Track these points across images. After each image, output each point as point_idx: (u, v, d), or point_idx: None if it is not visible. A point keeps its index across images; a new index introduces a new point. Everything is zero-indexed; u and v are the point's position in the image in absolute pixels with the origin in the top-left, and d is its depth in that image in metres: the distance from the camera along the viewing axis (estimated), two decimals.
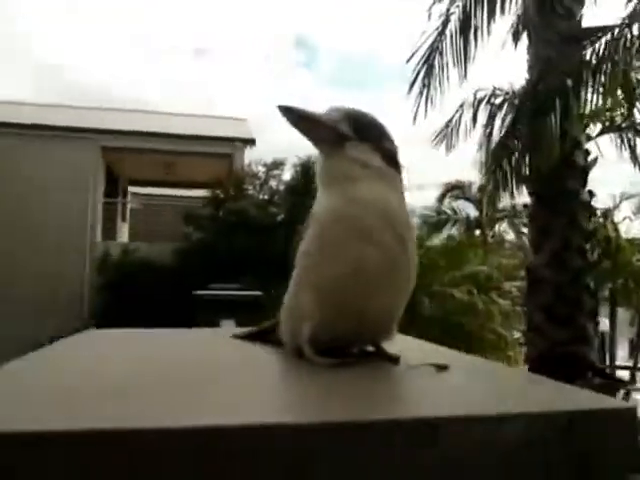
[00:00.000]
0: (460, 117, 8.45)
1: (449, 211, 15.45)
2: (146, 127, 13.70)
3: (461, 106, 8.28)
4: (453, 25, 5.72)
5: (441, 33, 5.76)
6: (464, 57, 5.66)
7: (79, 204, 12.92)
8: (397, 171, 0.93)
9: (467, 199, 15.58)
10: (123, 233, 16.02)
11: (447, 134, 8.53)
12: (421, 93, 5.87)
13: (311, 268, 0.89)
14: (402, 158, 0.98)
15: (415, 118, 5.92)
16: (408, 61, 5.74)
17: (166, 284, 11.54)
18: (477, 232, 15.19)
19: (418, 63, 5.78)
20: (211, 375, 0.78)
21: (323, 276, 0.86)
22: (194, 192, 15.00)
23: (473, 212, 15.61)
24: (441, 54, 5.76)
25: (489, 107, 8.38)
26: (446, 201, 15.59)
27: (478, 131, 8.33)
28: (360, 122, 0.90)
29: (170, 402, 0.60)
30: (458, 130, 8.48)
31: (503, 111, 8.15)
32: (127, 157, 14.54)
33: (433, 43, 5.78)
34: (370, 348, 0.97)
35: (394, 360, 0.90)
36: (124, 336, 1.27)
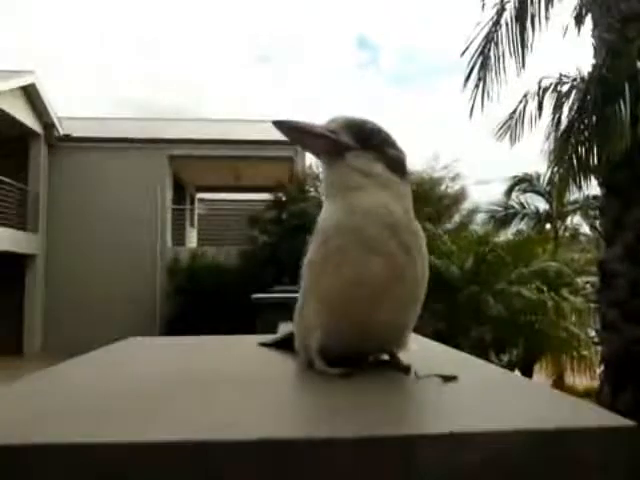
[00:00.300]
0: (524, 107, 8.15)
1: (517, 205, 14.90)
2: (210, 135, 14.11)
3: (525, 96, 7.97)
4: (509, 14, 5.51)
5: (496, 23, 5.57)
6: (521, 46, 5.44)
7: (149, 212, 13.50)
8: (402, 178, 0.91)
9: (536, 192, 14.97)
10: (192, 238, 16.57)
11: (511, 126, 8.25)
12: (477, 86, 5.70)
13: (316, 279, 0.89)
14: (408, 165, 0.96)
15: (472, 111, 5.75)
16: (462, 54, 5.59)
17: (233, 286, 11.85)
18: (548, 226, 14.57)
19: (473, 55, 5.62)
20: (215, 387, 0.79)
21: (327, 287, 0.86)
22: (258, 196, 15.31)
23: (543, 205, 15.00)
24: (497, 44, 5.56)
25: (556, 95, 8.02)
26: (513, 195, 15.05)
27: (544, 121, 8.00)
28: (361, 131, 0.89)
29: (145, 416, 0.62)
30: (523, 121, 8.17)
31: (571, 99, 7.78)
32: (193, 164, 15.05)
33: (488, 34, 5.59)
34: (385, 357, 0.96)
35: (405, 370, 0.88)
36: (157, 345, 1.31)
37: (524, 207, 14.89)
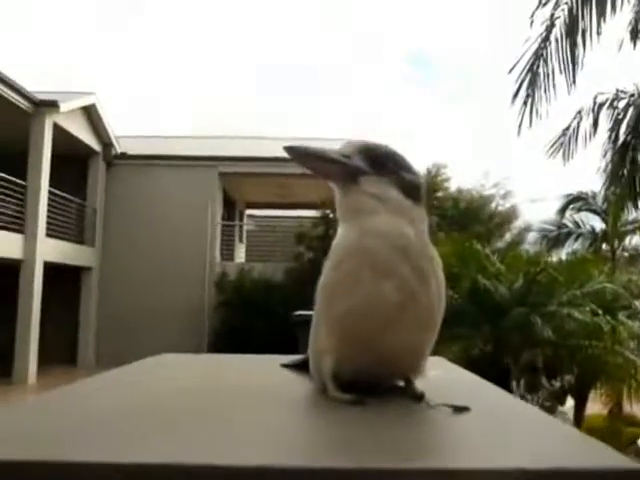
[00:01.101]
0: (578, 124, 7.93)
1: (571, 224, 14.41)
2: (259, 152, 14.37)
3: (579, 112, 7.76)
4: (558, 30, 5.39)
5: (545, 39, 5.45)
6: (572, 62, 5.30)
7: (200, 227, 13.82)
8: (417, 203, 0.90)
9: (592, 211, 14.45)
10: (240, 254, 16.84)
11: (564, 143, 8.04)
12: (525, 103, 5.58)
13: (328, 302, 0.89)
14: (424, 191, 0.95)
15: (520, 129, 5.63)
16: (510, 71, 5.49)
17: (278, 302, 11.94)
18: (604, 246, 14.00)
19: (521, 72, 5.51)
20: (221, 409, 0.80)
21: (339, 310, 0.86)
22: (306, 212, 15.44)
23: (599, 224, 14.45)
24: (546, 61, 5.44)
25: (612, 111, 7.78)
26: (567, 214, 14.57)
27: (599, 138, 7.76)
28: (375, 155, 0.89)
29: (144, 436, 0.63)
30: (577, 138, 7.96)
31: (628, 115, 7.52)
32: (243, 181, 15.34)
33: (537, 50, 5.48)
34: (401, 383, 0.94)
35: (417, 398, 0.87)
36: (185, 361, 1.34)
37: (579, 226, 14.38)
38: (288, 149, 0.85)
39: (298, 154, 0.86)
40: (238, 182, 15.30)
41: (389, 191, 0.87)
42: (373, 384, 0.91)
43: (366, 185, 0.87)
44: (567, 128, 7.91)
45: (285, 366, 1.22)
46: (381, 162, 0.88)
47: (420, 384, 0.92)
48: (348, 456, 0.58)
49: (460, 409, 0.79)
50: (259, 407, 0.80)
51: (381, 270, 0.82)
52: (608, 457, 0.56)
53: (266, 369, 1.20)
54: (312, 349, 0.95)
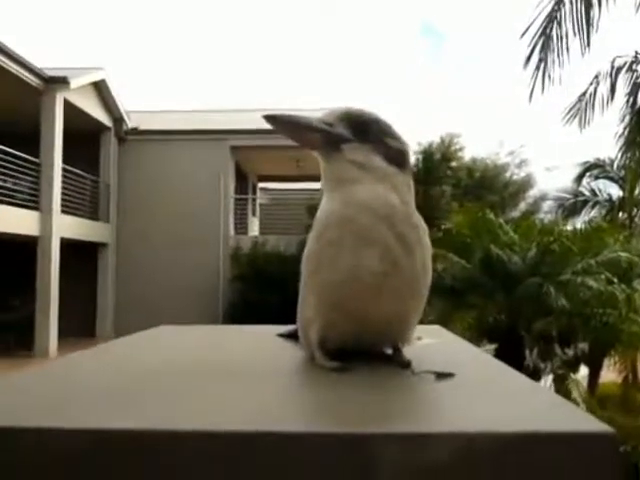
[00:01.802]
0: (595, 89, 7.73)
1: (588, 192, 14.17)
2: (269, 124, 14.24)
3: (596, 77, 7.56)
4: None
5: (559, 1, 5.27)
6: (586, 24, 5.13)
7: (213, 201, 13.87)
8: (402, 170, 0.88)
9: (609, 178, 14.18)
10: (254, 227, 16.89)
11: (580, 108, 7.86)
12: (538, 67, 5.43)
13: (312, 272, 0.89)
14: (410, 156, 0.93)
15: (532, 94, 5.50)
16: (523, 35, 5.34)
17: (292, 274, 12.00)
18: (621, 214, 13.77)
19: (534, 36, 5.35)
20: (210, 378, 0.81)
21: (323, 280, 0.86)
22: (319, 185, 15.35)
23: (617, 192, 14.19)
24: (559, 24, 5.27)
25: (631, 74, 7.57)
26: (584, 181, 14.31)
27: (617, 103, 7.56)
28: (359, 123, 0.87)
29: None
30: (593, 103, 7.77)
31: None
32: (255, 154, 15.29)
33: (550, 12, 5.31)
34: (389, 351, 0.94)
35: (404, 365, 0.87)
36: (182, 333, 1.36)
37: (595, 194, 14.14)
38: (268, 118, 0.83)
39: (279, 123, 0.85)
40: (250, 155, 15.25)
41: (373, 158, 0.85)
42: (361, 351, 0.92)
43: (349, 153, 0.86)
44: (584, 93, 7.72)
45: (281, 336, 1.24)
46: (364, 129, 0.86)
47: (410, 352, 0.92)
48: (318, 421, 0.59)
49: (444, 375, 0.79)
50: (243, 376, 0.81)
51: (363, 239, 0.82)
52: (579, 420, 0.56)
53: (261, 339, 1.21)
54: (299, 318, 0.96)
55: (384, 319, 0.86)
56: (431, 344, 1.11)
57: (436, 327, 1.44)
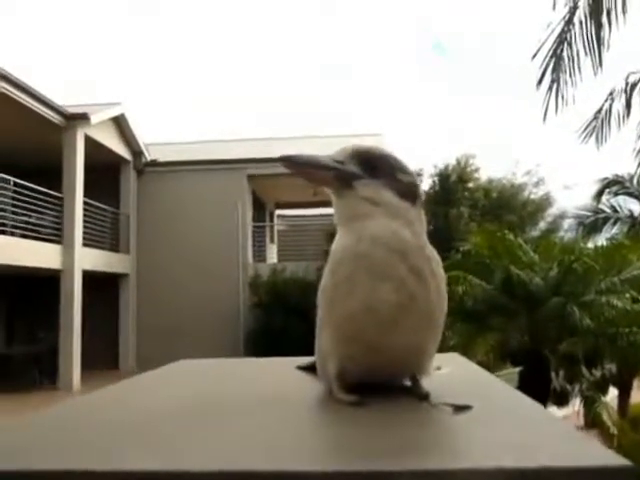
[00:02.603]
0: (610, 106, 7.71)
1: (608, 209, 13.99)
2: (285, 152, 14.39)
3: (611, 94, 7.55)
4: (582, 11, 5.24)
5: (569, 22, 5.31)
6: (597, 44, 5.15)
7: (231, 230, 13.99)
8: (413, 204, 0.90)
9: (629, 194, 14.01)
10: (272, 254, 16.96)
11: (596, 126, 7.83)
12: (550, 88, 5.45)
13: (328, 306, 0.90)
14: (421, 190, 0.95)
15: (545, 115, 5.50)
16: (534, 57, 5.37)
17: (312, 300, 11.96)
18: None
19: (545, 57, 5.38)
20: (228, 415, 0.82)
21: (338, 313, 0.87)
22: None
23: (638, 208, 13.99)
24: (570, 44, 5.30)
25: None
26: (604, 198, 14.14)
27: (633, 118, 7.53)
28: (369, 159, 0.89)
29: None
30: (609, 120, 7.74)
31: None
32: (271, 182, 15.44)
33: (561, 34, 5.34)
34: (408, 382, 0.95)
35: (421, 397, 0.87)
36: (201, 368, 1.37)
37: (616, 210, 13.95)
38: (283, 159, 0.86)
39: (293, 164, 0.87)
40: (267, 183, 15.40)
41: (384, 194, 0.87)
42: (380, 384, 0.92)
43: (361, 190, 0.88)
44: (599, 111, 7.70)
45: (300, 368, 1.24)
46: (375, 165, 0.89)
47: (428, 383, 0.92)
48: (337, 458, 0.59)
49: (461, 408, 0.79)
50: (261, 412, 0.82)
51: (377, 273, 0.83)
52: (598, 455, 0.56)
53: (280, 373, 1.22)
54: (317, 351, 0.97)
55: (401, 350, 0.87)
56: (448, 374, 1.11)
57: (453, 355, 1.43)
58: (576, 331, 7.18)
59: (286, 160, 0.86)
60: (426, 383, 0.92)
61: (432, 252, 0.89)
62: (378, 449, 0.61)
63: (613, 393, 9.00)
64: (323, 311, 0.92)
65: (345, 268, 0.86)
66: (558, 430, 0.66)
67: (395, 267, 0.83)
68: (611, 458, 0.54)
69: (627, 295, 7.63)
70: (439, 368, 1.08)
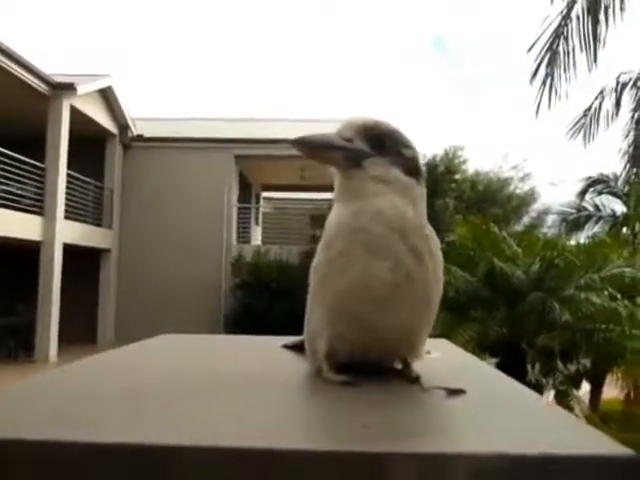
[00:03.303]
0: (600, 104, 7.74)
1: (591, 207, 14.15)
2: (274, 134, 14.32)
3: (601, 92, 7.57)
4: (580, 6, 5.22)
5: (566, 17, 5.29)
6: (593, 40, 5.14)
7: (216, 210, 13.88)
8: (418, 180, 0.88)
9: (613, 194, 14.16)
10: (256, 236, 16.89)
11: (585, 124, 7.87)
12: (544, 83, 5.44)
13: (321, 283, 0.87)
14: (422, 164, 0.92)
15: (538, 109, 5.50)
16: (530, 50, 5.35)
17: (294, 284, 11.99)
18: (625, 230, 13.73)
19: (540, 51, 5.36)
20: (209, 391, 0.80)
21: (331, 291, 0.85)
22: (323, 195, 15.39)
23: (620, 208, 14.16)
24: (566, 39, 5.28)
25: (636, 91, 7.58)
26: (588, 196, 14.29)
27: (622, 119, 7.57)
28: (376, 135, 0.86)
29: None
30: (598, 119, 7.78)
31: None
32: (258, 164, 15.33)
33: (557, 28, 5.32)
34: (398, 365, 0.93)
35: (413, 381, 0.85)
36: (184, 343, 1.34)
37: (599, 209, 14.11)
38: (295, 142, 0.83)
39: (304, 147, 0.84)
40: (254, 164, 15.29)
41: (393, 172, 0.85)
42: (370, 365, 0.90)
43: (371, 169, 0.85)
44: (588, 109, 7.72)
45: (286, 347, 1.22)
46: (382, 141, 0.86)
47: (418, 366, 0.90)
48: (329, 438, 0.57)
49: (455, 392, 0.78)
50: (246, 389, 0.79)
51: (374, 249, 0.81)
52: (599, 443, 0.54)
53: (265, 350, 1.20)
54: (307, 330, 0.94)
55: (394, 331, 0.84)
56: (439, 358, 1.09)
57: (442, 341, 1.42)
58: (554, 325, 7.26)
59: (299, 143, 0.83)
60: (417, 366, 0.90)
61: (431, 232, 0.87)
62: (370, 430, 0.59)
63: (586, 388, 9.16)
64: (315, 288, 0.89)
65: (340, 242, 0.83)
66: (557, 417, 0.65)
67: (393, 245, 0.81)
68: (612, 447, 0.53)
69: (605, 292, 7.73)
70: (429, 352, 1.06)
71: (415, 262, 0.82)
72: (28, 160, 10.87)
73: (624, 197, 13.56)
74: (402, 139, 0.88)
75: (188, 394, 0.75)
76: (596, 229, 13.83)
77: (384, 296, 0.81)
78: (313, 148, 0.86)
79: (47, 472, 0.52)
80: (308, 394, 0.83)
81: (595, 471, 0.51)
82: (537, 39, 5.28)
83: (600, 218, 13.91)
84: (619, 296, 7.76)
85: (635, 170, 8.66)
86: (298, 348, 1.18)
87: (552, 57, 5.26)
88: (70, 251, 11.66)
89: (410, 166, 0.87)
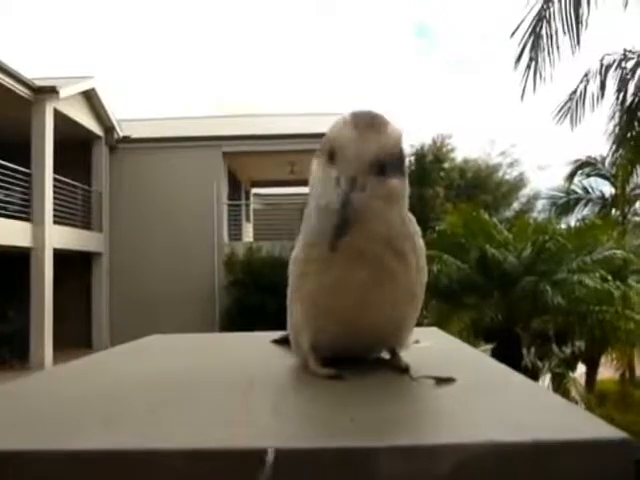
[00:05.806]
0: (585, 87, 7.75)
1: (580, 190, 14.22)
2: (262, 130, 14.25)
3: (585, 75, 7.58)
4: None
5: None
6: (575, 22, 5.13)
7: (206, 208, 13.80)
8: (403, 175, 0.82)
9: (601, 176, 14.24)
10: (248, 233, 16.83)
11: (571, 107, 7.87)
12: (529, 67, 5.43)
13: (299, 279, 0.85)
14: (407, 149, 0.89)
15: (523, 93, 5.49)
16: (513, 34, 5.34)
17: (287, 280, 11.96)
18: (614, 211, 13.81)
19: (524, 35, 5.35)
20: (197, 391, 0.78)
21: (311, 287, 0.82)
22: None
23: (609, 189, 14.24)
24: (549, 22, 5.27)
25: (620, 72, 7.59)
26: (576, 179, 14.36)
27: (607, 100, 7.58)
28: (383, 163, 0.73)
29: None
30: (584, 101, 7.78)
31: (637, 75, 7.34)
32: (247, 160, 15.25)
33: (540, 11, 5.31)
34: (386, 355, 0.91)
35: (401, 370, 0.84)
36: (175, 342, 1.32)
37: (588, 192, 14.19)
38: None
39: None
40: (242, 161, 15.21)
41: (385, 186, 0.75)
42: (357, 357, 0.89)
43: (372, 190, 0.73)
44: (574, 92, 7.73)
45: (275, 342, 1.20)
46: (385, 166, 0.74)
47: (408, 356, 0.89)
48: (317, 436, 0.55)
49: (444, 380, 0.76)
50: (233, 387, 0.77)
51: (356, 258, 0.76)
52: (594, 428, 0.53)
53: (255, 347, 1.18)
54: (289, 324, 0.92)
55: (377, 326, 0.83)
56: (429, 347, 1.08)
57: (433, 329, 1.41)
58: (548, 309, 7.31)
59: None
60: (405, 356, 0.89)
61: (412, 224, 0.84)
62: (359, 425, 0.58)
63: (581, 369, 9.24)
64: (294, 282, 0.87)
65: (319, 247, 0.79)
66: (551, 403, 0.64)
67: (378, 253, 0.76)
68: (608, 430, 0.51)
69: (597, 274, 7.78)
70: (418, 342, 1.05)
71: (398, 263, 0.79)
72: (13, 166, 10.75)
73: (612, 179, 13.62)
74: (404, 157, 0.80)
75: (173, 395, 0.74)
76: (586, 212, 13.93)
77: (364, 295, 0.78)
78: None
79: None
80: (294, 390, 0.81)
81: (587, 455, 0.49)
82: (520, 23, 5.28)
83: (589, 200, 14.00)
84: (610, 277, 7.81)
85: (621, 151, 8.69)
86: (287, 342, 1.17)
87: (535, 40, 5.25)
88: (61, 256, 11.57)
89: (400, 173, 0.77)
